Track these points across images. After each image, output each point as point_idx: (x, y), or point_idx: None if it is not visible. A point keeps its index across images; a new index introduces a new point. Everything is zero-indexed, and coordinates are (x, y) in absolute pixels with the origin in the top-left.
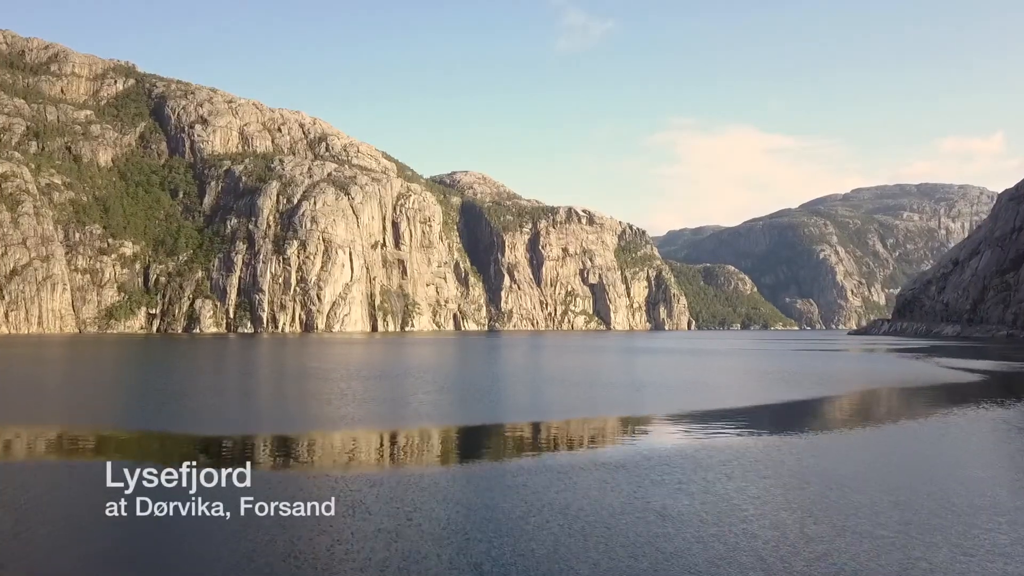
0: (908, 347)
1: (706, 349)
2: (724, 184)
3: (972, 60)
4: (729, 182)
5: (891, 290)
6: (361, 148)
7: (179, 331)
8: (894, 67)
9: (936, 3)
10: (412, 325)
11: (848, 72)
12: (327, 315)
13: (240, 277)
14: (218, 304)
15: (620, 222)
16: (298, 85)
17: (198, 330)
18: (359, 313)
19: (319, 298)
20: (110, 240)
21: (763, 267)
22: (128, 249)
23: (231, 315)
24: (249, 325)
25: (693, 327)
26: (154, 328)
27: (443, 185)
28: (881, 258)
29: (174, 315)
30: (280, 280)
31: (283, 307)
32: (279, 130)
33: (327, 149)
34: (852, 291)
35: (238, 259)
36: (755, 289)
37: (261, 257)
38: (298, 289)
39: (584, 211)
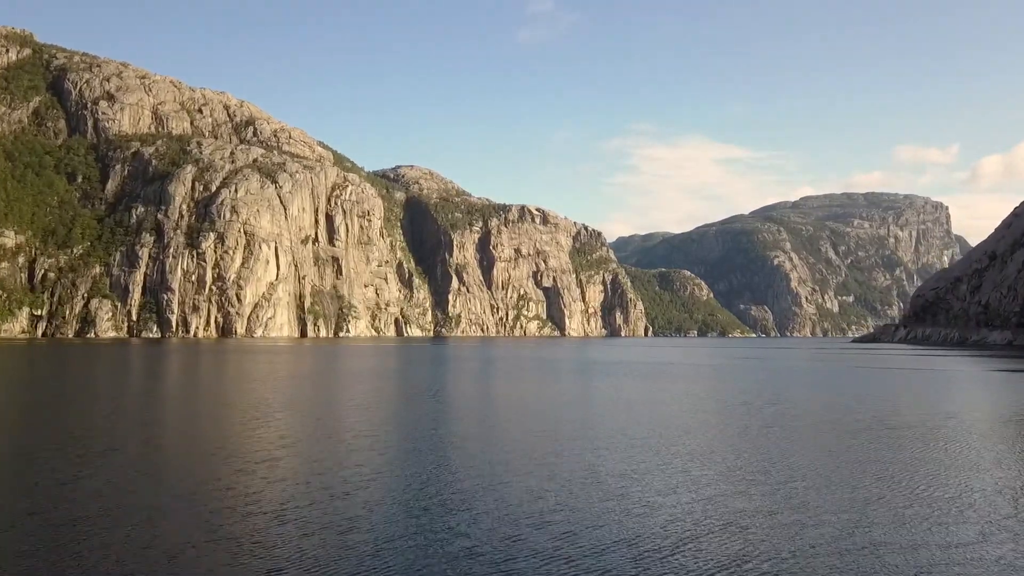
0: None
1: (733, 370)
2: (676, 193)
3: (940, 69)
4: (681, 191)
5: (844, 297)
6: (293, 134)
7: (70, 335)
8: (856, 73)
9: (901, 11)
10: (347, 330)
11: (807, 79)
12: (248, 318)
13: (146, 274)
14: (118, 305)
15: (575, 223)
16: (226, 64)
17: (93, 334)
18: (285, 316)
19: (239, 299)
20: None
21: (716, 274)
22: (9, 240)
23: (134, 317)
24: (155, 329)
25: (650, 333)
26: (39, 332)
27: (386, 179)
28: (834, 265)
29: (64, 317)
30: (193, 278)
31: (196, 308)
32: (200, 111)
33: (255, 134)
34: (806, 298)
35: (144, 253)
36: (711, 295)
37: (171, 251)
38: (214, 288)
39: (538, 210)
